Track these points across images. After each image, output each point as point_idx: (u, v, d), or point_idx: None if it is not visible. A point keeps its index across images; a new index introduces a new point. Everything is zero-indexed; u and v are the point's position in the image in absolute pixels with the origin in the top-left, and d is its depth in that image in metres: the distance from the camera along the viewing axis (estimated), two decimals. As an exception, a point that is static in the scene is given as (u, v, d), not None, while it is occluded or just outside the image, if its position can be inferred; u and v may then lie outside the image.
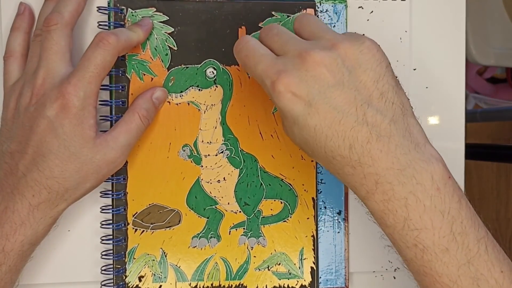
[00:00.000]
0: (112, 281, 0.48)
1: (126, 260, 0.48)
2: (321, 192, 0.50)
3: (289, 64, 0.37)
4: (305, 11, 0.48)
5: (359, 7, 0.50)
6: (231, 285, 0.49)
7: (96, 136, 0.42)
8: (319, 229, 0.50)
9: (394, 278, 0.52)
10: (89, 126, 0.42)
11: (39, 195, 0.41)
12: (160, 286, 0.48)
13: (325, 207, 0.50)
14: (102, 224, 0.48)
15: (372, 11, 0.51)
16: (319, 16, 0.49)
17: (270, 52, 0.39)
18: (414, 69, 0.52)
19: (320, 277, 0.50)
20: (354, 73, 0.37)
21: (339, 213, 0.50)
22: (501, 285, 0.36)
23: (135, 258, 0.48)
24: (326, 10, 0.49)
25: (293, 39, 0.40)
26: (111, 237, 0.48)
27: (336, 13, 0.49)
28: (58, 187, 0.41)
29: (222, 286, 0.49)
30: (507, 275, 0.36)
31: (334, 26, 0.49)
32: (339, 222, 0.50)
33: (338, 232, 0.50)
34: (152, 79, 0.47)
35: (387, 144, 0.36)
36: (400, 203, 0.36)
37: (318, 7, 0.49)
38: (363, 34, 0.41)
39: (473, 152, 1.11)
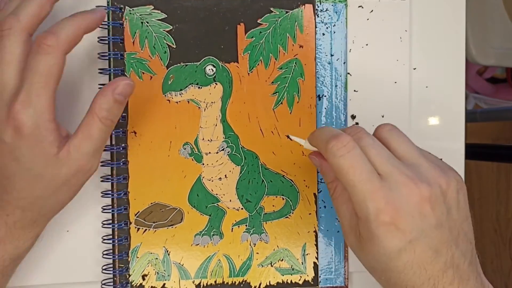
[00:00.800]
0: (111, 280, 0.48)
1: (129, 259, 0.48)
2: (321, 191, 0.50)
3: (396, 193, 0.36)
4: (303, 7, 0.48)
5: (359, 6, 0.50)
6: (235, 282, 0.49)
7: (57, 151, 0.38)
8: (318, 228, 0.50)
9: (395, 277, 0.52)
10: (49, 143, 0.38)
11: (13, 215, 0.39)
12: (164, 284, 0.48)
13: (325, 206, 0.50)
14: (104, 224, 0.48)
15: (372, 11, 0.51)
16: (319, 15, 0.49)
17: (374, 170, 0.37)
18: (414, 69, 0.52)
19: (320, 276, 0.50)
20: (451, 213, 0.37)
21: (339, 213, 0.50)
22: None
23: (138, 257, 0.48)
24: (326, 9, 0.49)
25: (391, 159, 0.38)
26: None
27: (336, 12, 0.50)
28: (30, 206, 0.39)
29: (225, 283, 0.49)
30: None
31: (334, 25, 0.50)
32: (339, 221, 0.50)
33: (338, 231, 0.50)
34: (151, 77, 0.47)
35: (465, 287, 0.36)
36: None
37: (318, 6, 0.49)
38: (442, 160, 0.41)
39: (473, 152, 1.11)
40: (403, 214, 0.35)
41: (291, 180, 0.49)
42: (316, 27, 0.49)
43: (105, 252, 0.48)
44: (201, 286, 0.49)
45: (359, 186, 0.36)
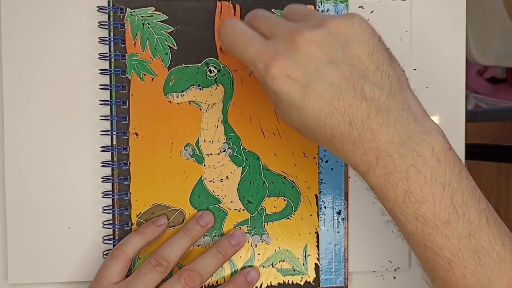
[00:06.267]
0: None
1: (130, 260, 0.48)
2: (321, 192, 0.50)
3: (280, 45, 0.36)
4: None
5: (359, 7, 0.51)
6: (235, 283, 0.49)
7: None
8: (319, 229, 0.50)
9: (394, 278, 0.52)
10: None
11: None
12: (164, 285, 0.48)
13: (325, 207, 0.50)
14: (104, 224, 0.48)
15: (372, 11, 0.51)
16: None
17: (259, 35, 0.38)
18: (414, 69, 0.52)
19: (320, 276, 0.50)
20: (347, 48, 0.36)
21: (339, 213, 0.50)
22: (503, 258, 0.35)
23: (139, 258, 0.48)
24: (327, 10, 0.49)
25: (280, 21, 0.38)
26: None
27: (337, 13, 0.50)
28: None
29: (226, 284, 0.49)
30: (509, 249, 0.36)
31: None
32: (339, 222, 0.50)
33: (338, 232, 0.50)
34: (152, 79, 0.48)
35: (387, 118, 0.35)
36: (401, 176, 0.35)
37: (319, 7, 0.49)
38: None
39: (473, 152, 1.11)
40: (290, 63, 0.35)
41: (292, 181, 0.49)
42: (317, 28, 0.49)
43: (105, 252, 0.48)
44: (203, 287, 0.49)
45: (245, 53, 0.37)
